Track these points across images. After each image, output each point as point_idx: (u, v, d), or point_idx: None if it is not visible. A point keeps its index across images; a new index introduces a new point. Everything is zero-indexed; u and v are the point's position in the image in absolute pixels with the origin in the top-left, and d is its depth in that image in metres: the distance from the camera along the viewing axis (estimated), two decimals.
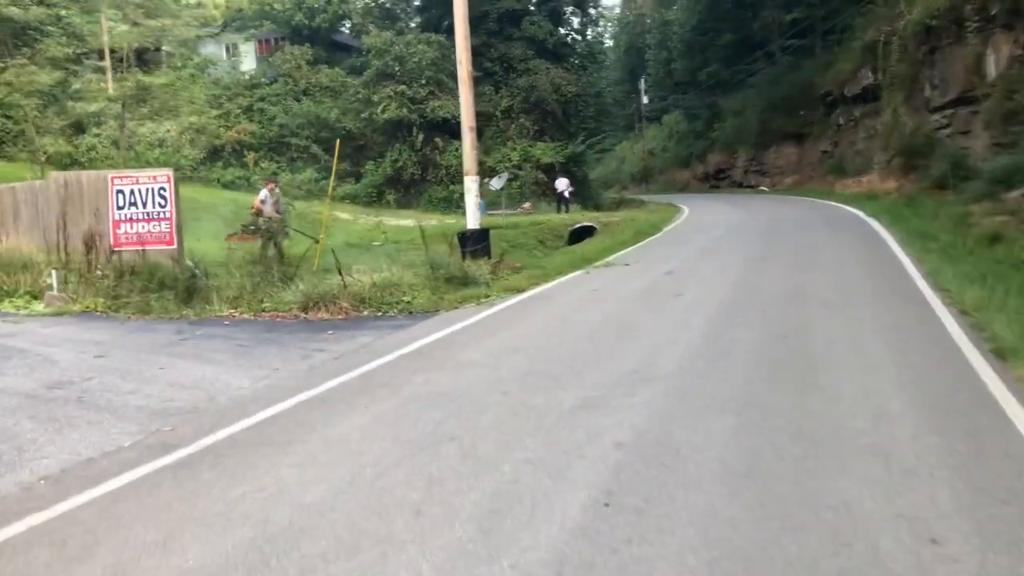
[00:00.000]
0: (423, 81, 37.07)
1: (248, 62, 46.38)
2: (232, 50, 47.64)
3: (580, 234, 28.71)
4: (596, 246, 19.40)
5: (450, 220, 33.25)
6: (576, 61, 43.15)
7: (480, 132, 40.53)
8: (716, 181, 55.85)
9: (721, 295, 10.70)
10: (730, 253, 16.09)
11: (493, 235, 28.18)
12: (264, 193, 18.50)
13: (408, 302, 10.96)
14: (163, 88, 28.18)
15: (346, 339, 9.00)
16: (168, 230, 14.47)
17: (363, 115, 38.40)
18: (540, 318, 9.83)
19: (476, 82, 41.22)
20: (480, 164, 38.71)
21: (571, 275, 14.05)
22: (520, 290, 12.30)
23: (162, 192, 14.46)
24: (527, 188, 37.35)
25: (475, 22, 41.47)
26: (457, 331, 9.18)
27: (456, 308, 10.92)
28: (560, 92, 39.94)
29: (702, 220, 27.24)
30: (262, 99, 41.23)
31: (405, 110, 36.66)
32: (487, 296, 11.61)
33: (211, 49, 47.01)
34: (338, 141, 18.82)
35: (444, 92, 37.43)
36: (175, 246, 14.40)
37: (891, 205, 23.93)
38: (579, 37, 48.73)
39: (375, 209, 36.86)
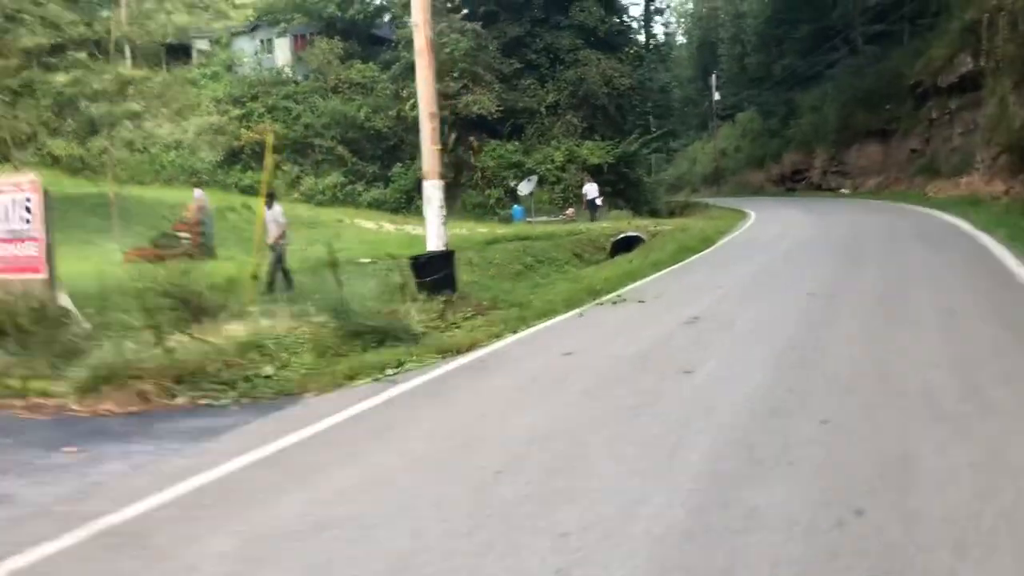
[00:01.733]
0: (455, 74, 33.24)
1: (282, 58, 43.33)
2: (266, 45, 44.67)
3: (624, 245, 24.83)
4: (617, 269, 15.32)
5: (481, 229, 29.49)
6: (631, 51, 38.86)
7: (521, 130, 36.61)
8: (792, 183, 50.85)
9: (756, 374, 6.54)
10: (790, 284, 11.81)
11: (518, 248, 24.38)
12: (275, 212, 14.88)
13: (266, 378, 7.11)
14: (145, 83, 25.05)
15: (73, 473, 5.16)
16: (35, 254, 10.95)
17: (391, 112, 34.79)
18: (432, 426, 5.82)
19: (518, 75, 37.49)
20: (518, 166, 35.01)
21: (555, 319, 10.04)
22: (463, 349, 8.32)
23: (27, 205, 10.98)
24: (571, 192, 33.29)
25: (518, 9, 37.77)
26: (267, 458, 5.24)
27: (340, 386, 7.04)
28: (612, 85, 35.76)
29: (766, 231, 22.86)
30: (287, 97, 38.00)
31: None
32: (401, 364, 7.65)
33: (244, 45, 44.20)
34: (270, 135, 15.27)
35: (479, 86, 33.65)
36: (43, 275, 10.89)
37: (1002, 213, 19.20)
38: (635, 25, 44.41)
39: (403, 216, 33.34)
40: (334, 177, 35.00)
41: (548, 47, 36.66)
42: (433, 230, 11.51)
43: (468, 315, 10.15)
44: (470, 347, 8.44)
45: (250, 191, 35.08)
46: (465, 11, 38.69)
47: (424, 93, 11.46)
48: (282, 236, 14.80)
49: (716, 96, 67.04)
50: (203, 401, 6.67)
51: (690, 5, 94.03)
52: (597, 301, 11.24)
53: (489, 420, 5.86)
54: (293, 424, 5.94)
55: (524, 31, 36.60)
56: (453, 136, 33.63)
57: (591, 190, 30.35)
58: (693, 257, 17.04)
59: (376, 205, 34.53)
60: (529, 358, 7.88)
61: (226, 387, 6.84)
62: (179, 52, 42.63)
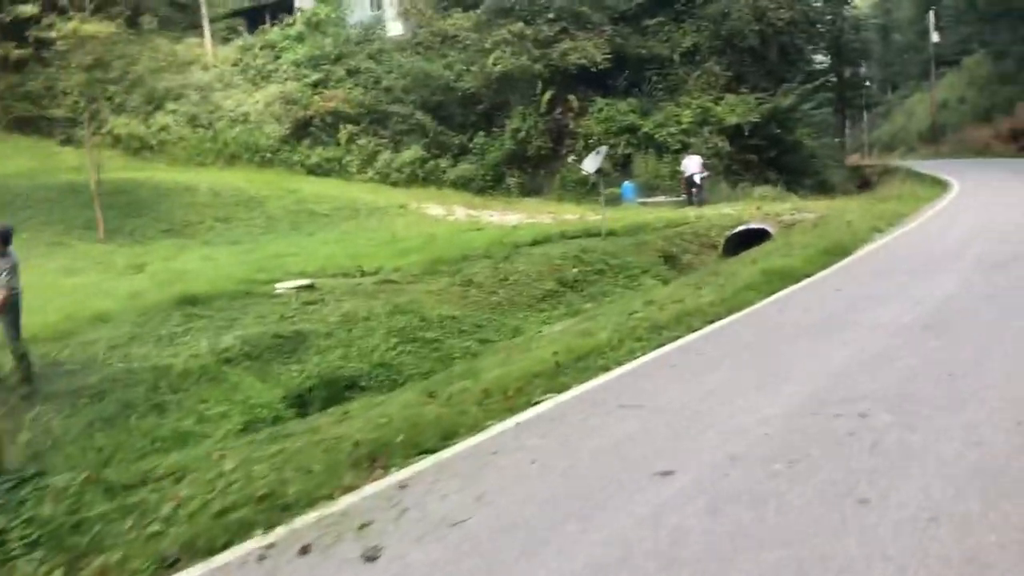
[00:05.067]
0: (551, 15, 25.95)
1: (391, 13, 37.61)
2: (375, 3, 39.06)
3: (743, 242, 17.31)
4: (600, 326, 7.91)
5: (570, 216, 22.36)
6: None
7: (643, 83, 28.57)
8: None
9: None
10: (927, 440, 4.21)
11: (572, 251, 16.82)
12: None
13: None
14: (104, 41, 19.90)
15: None
16: None
17: (473, 68, 28.01)
18: None
19: (642, 13, 29.65)
20: (632, 130, 27.12)
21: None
22: None
23: None
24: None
25: None
26: None
27: None
28: (765, 20, 27.19)
29: (951, 228, 14.47)
30: (370, 57, 32.01)
31: (525, 58, 25.78)
32: None
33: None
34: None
35: (583, 30, 26.19)
36: None
37: None
38: None
39: (488, 197, 26.72)
40: (413, 151, 28.70)
41: None
42: None
43: None
44: None
45: (318, 170, 29.68)
46: None
47: None
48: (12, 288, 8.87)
49: (935, 37, 55.50)
50: None
51: None
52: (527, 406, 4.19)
53: None
54: None
55: None
56: (547, 95, 26.46)
57: (691, 164, 22.49)
58: (766, 301, 9.28)
59: (462, 184, 27.97)
60: None
61: None
62: (279, 10, 38.01)
